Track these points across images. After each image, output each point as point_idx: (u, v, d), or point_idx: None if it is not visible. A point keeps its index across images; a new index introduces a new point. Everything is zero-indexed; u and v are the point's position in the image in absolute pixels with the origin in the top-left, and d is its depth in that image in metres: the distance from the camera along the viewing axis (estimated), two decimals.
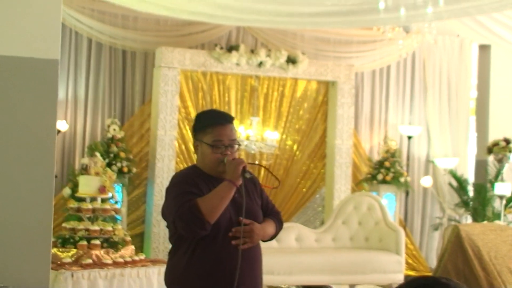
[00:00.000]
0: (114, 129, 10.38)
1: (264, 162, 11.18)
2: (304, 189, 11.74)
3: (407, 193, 12.00)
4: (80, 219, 6.98)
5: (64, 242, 6.82)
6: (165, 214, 4.21)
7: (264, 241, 4.30)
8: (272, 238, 4.37)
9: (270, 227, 4.30)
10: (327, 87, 11.69)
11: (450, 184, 12.05)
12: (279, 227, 4.38)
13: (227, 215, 4.08)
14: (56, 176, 9.73)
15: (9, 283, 3.34)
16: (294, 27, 11.09)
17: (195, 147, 4.26)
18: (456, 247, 5.77)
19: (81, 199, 7.05)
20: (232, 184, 4.02)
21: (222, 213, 4.05)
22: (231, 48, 10.88)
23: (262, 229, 4.21)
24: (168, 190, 4.18)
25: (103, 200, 7.05)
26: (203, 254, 4.08)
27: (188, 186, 4.07)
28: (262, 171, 10.47)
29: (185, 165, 10.81)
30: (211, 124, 4.17)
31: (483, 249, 5.69)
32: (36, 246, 3.58)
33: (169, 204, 4.11)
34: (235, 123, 11.62)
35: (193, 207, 3.93)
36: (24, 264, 3.55)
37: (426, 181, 12.09)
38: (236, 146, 4.22)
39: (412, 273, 11.53)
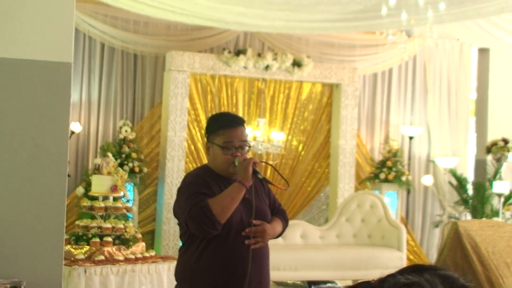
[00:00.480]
0: (126, 131, 10.40)
1: (270, 162, 11.19)
2: (309, 188, 11.73)
3: (408, 192, 11.99)
4: (93, 217, 6.98)
5: (78, 239, 6.83)
6: (177, 213, 4.23)
7: (273, 238, 4.33)
8: (279, 236, 4.41)
9: (278, 226, 4.35)
10: (331, 89, 11.69)
11: (450, 183, 12.04)
12: (285, 225, 4.43)
13: (238, 215, 4.10)
14: (69, 176, 9.75)
15: (23, 278, 3.35)
16: (302, 31, 11.09)
17: (207, 148, 4.29)
18: (455, 243, 5.75)
19: (94, 198, 7.05)
20: (242, 185, 4.03)
21: (233, 213, 4.06)
22: (239, 52, 10.89)
23: (272, 228, 4.26)
24: (180, 190, 4.20)
25: (115, 199, 7.05)
26: (214, 253, 4.10)
27: (199, 186, 4.09)
28: (269, 170, 10.48)
29: (195, 165, 10.80)
30: (222, 126, 4.20)
31: (481, 245, 5.67)
32: (49, 242, 3.59)
33: (181, 204, 4.12)
34: None
35: (204, 207, 3.94)
36: (38, 260, 3.56)
37: (427, 180, 12.08)
38: (247, 148, 4.23)
39: None
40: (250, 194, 4.11)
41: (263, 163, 4.23)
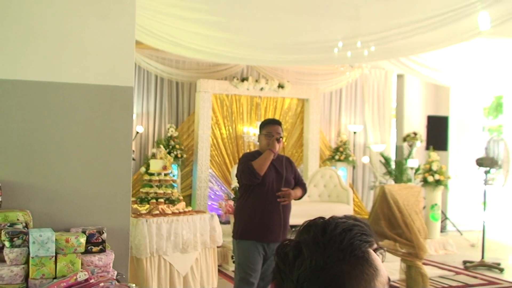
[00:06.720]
0: (172, 131, 10.39)
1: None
2: None
3: (353, 167, 11.97)
4: (151, 186, 6.95)
5: (141, 200, 6.80)
6: (237, 175, 4.62)
7: (295, 200, 4.65)
8: (299, 198, 4.72)
9: (298, 192, 4.68)
10: (303, 103, 11.65)
11: (380, 161, 12.01)
12: (304, 192, 4.74)
13: (271, 177, 4.48)
14: (134, 160, 9.68)
15: (104, 225, 3.34)
16: (283, 64, 11.05)
17: (258, 137, 4.69)
18: (383, 199, 5.72)
19: (151, 174, 7.02)
20: (270, 151, 4.44)
21: (267, 179, 4.43)
22: (243, 79, 10.85)
23: (294, 193, 4.60)
24: (239, 161, 4.65)
25: (165, 174, 7.01)
26: (254, 200, 4.46)
27: (248, 159, 4.53)
28: None
29: (217, 153, 10.86)
30: (266, 124, 4.64)
31: (400, 200, 5.64)
32: (121, 202, 3.57)
33: (239, 168, 4.54)
34: (247, 126, 11.35)
35: (250, 166, 4.42)
36: (114, 214, 3.53)
37: (365, 159, 12.06)
38: (281, 139, 4.59)
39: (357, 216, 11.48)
40: (282, 169, 4.51)
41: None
